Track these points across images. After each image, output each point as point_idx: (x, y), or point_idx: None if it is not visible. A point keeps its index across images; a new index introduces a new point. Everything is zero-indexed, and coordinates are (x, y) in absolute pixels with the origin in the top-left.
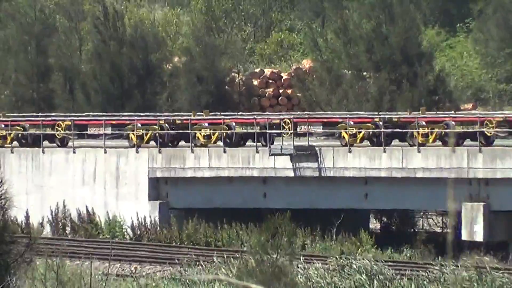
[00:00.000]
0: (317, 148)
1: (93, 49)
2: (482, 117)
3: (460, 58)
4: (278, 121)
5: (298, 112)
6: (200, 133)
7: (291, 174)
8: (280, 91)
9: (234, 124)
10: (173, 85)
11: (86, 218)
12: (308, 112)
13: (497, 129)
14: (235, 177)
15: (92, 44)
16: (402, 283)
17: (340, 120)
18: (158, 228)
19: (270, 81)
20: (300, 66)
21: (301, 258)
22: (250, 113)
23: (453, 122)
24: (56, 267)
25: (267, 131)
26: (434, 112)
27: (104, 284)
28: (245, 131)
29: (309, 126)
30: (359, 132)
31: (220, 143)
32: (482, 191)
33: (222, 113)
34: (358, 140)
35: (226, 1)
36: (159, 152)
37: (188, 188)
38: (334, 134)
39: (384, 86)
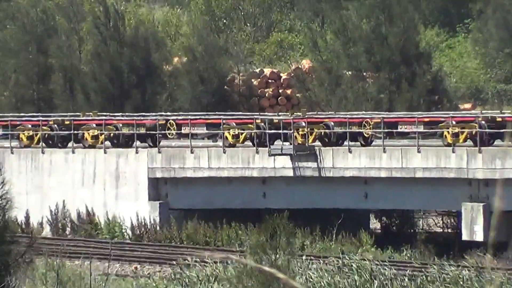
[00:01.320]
0: (316, 148)
1: (93, 49)
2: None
3: (459, 58)
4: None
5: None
6: (88, 133)
7: (290, 174)
8: (280, 91)
9: (120, 125)
10: (173, 85)
11: (86, 218)
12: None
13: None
14: (234, 177)
15: (92, 44)
16: (402, 283)
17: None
18: (157, 228)
19: (270, 81)
20: (300, 66)
21: (303, 257)
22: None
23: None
24: (56, 267)
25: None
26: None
27: (104, 284)
28: (132, 132)
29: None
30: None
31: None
32: (482, 191)
33: (110, 114)
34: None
35: (226, 1)
36: (159, 152)
37: (188, 188)
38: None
39: (383, 87)
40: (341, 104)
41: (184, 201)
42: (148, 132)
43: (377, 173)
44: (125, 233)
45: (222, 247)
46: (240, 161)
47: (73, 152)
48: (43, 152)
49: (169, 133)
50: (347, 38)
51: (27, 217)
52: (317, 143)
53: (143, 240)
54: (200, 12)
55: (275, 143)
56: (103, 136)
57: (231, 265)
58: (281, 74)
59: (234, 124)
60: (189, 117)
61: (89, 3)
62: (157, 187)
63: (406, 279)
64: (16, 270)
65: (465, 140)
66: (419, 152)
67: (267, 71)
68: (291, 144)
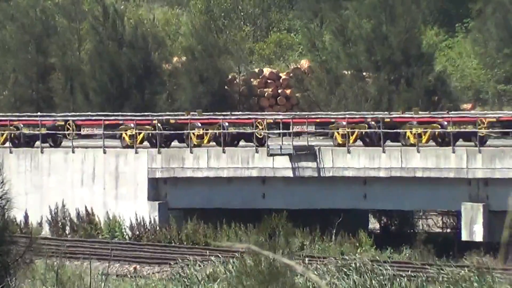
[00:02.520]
0: (316, 148)
1: (93, 48)
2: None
3: (459, 58)
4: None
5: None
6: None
7: (290, 174)
8: (279, 91)
9: (21, 125)
10: (172, 85)
11: (85, 218)
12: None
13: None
14: (234, 177)
15: (91, 44)
16: (402, 284)
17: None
18: (157, 228)
19: (269, 81)
20: (299, 66)
21: (304, 257)
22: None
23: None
24: (56, 267)
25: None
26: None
27: (103, 284)
28: (32, 132)
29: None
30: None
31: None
32: (482, 191)
33: (11, 114)
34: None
35: (225, 1)
36: (159, 152)
37: (187, 188)
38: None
39: (383, 86)
40: (340, 104)
41: (184, 201)
42: (48, 132)
43: (377, 173)
44: (124, 233)
45: (222, 247)
46: (239, 161)
47: (73, 152)
48: (42, 152)
49: (68, 134)
50: (346, 38)
51: (27, 217)
52: (320, 142)
53: (143, 240)
54: (199, 12)
55: (274, 142)
56: (4, 136)
57: (248, 257)
58: (281, 74)
59: (132, 125)
60: (99, 117)
61: (88, 3)
62: (157, 187)
63: (406, 279)
64: (16, 270)
65: (355, 140)
66: (418, 152)
67: (267, 71)
68: (290, 144)
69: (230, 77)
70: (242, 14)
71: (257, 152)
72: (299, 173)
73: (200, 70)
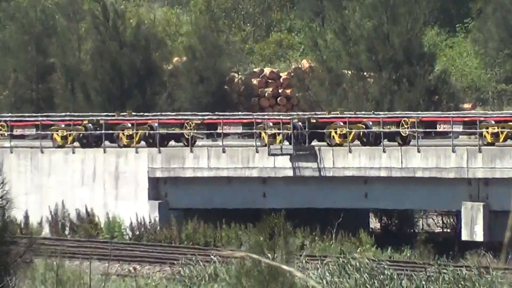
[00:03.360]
0: (316, 148)
1: (93, 48)
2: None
3: (459, 58)
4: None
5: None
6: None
7: (290, 174)
8: (280, 91)
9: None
10: (172, 85)
11: (86, 218)
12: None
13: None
14: (234, 177)
15: (92, 44)
16: (402, 283)
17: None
18: (157, 228)
19: (270, 81)
20: (299, 66)
21: (304, 257)
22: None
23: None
24: (56, 267)
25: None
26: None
27: (103, 284)
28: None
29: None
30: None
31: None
32: (482, 191)
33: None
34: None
35: (226, 1)
36: (159, 152)
37: (188, 188)
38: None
39: (385, 86)
40: (341, 104)
41: (184, 201)
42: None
43: (377, 173)
44: (124, 233)
45: (222, 247)
46: (240, 161)
47: (73, 152)
48: (42, 152)
49: (0, 134)
50: (347, 38)
51: (27, 217)
52: (318, 142)
53: (143, 240)
54: (199, 12)
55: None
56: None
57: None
58: (281, 74)
59: (63, 126)
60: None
61: (88, 3)
62: (157, 187)
63: (406, 279)
64: (16, 270)
65: (282, 141)
66: (418, 151)
67: (267, 70)
68: (291, 144)
69: (230, 77)
70: (242, 13)
71: (257, 152)
72: (300, 173)
73: (200, 70)
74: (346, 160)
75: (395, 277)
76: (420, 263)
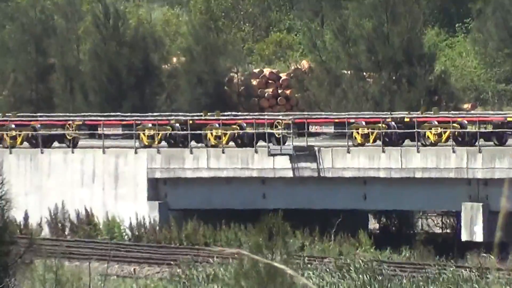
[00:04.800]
0: (316, 149)
1: (92, 49)
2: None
3: (459, 58)
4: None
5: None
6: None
7: (290, 174)
8: (279, 91)
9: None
10: (171, 86)
11: (85, 219)
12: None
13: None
14: (234, 178)
15: (91, 44)
16: (401, 284)
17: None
18: (157, 228)
19: (269, 81)
20: (299, 66)
21: (304, 258)
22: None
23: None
24: (55, 268)
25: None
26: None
27: (103, 284)
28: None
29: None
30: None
31: None
32: (482, 191)
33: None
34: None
35: (225, 1)
36: (158, 152)
37: (187, 189)
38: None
39: (385, 86)
40: (340, 104)
41: (184, 201)
42: None
43: (376, 174)
44: (124, 234)
45: (222, 247)
46: (239, 162)
47: (72, 152)
48: (42, 152)
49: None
50: (347, 38)
51: (26, 218)
52: (318, 143)
53: (142, 240)
54: (199, 12)
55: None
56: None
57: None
58: (281, 74)
59: (13, 126)
60: None
61: (88, 3)
62: (157, 188)
63: (405, 280)
64: (15, 271)
65: (227, 142)
66: (418, 152)
67: (266, 71)
68: (290, 144)
69: (229, 77)
70: (242, 14)
71: (256, 152)
72: (299, 173)
73: (199, 71)
74: (345, 161)
75: (394, 277)
76: (420, 264)
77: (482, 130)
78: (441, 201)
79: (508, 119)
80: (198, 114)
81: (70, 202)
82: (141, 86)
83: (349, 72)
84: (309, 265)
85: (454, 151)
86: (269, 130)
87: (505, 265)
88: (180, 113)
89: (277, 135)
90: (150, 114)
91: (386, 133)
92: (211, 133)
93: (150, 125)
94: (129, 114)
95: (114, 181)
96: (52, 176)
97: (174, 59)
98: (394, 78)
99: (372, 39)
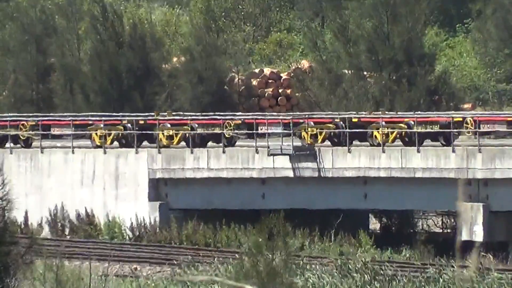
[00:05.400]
0: (316, 148)
1: (92, 49)
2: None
3: (459, 58)
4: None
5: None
6: None
7: (290, 174)
8: (280, 91)
9: None
10: (172, 85)
11: (85, 219)
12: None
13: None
14: (234, 178)
15: (91, 44)
16: (402, 284)
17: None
18: (157, 229)
19: (270, 81)
20: (299, 66)
21: (304, 258)
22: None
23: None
24: (55, 268)
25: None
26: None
27: (103, 285)
28: None
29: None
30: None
31: None
32: (482, 191)
33: None
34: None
35: (225, 1)
36: (159, 152)
37: (188, 189)
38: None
39: (385, 86)
40: (341, 104)
41: (184, 201)
42: None
43: (377, 173)
44: (124, 234)
45: (222, 248)
46: (239, 162)
47: (73, 152)
48: (42, 152)
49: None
50: (347, 38)
51: (26, 218)
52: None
53: (143, 240)
54: (199, 12)
55: (274, 143)
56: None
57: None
58: (281, 74)
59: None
60: None
61: (88, 3)
62: (157, 188)
63: (406, 280)
64: (16, 271)
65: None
66: (418, 152)
67: (267, 71)
68: (290, 144)
69: (229, 77)
70: (242, 14)
71: (257, 152)
72: (299, 173)
73: (200, 71)
74: (345, 161)
75: (395, 277)
76: (420, 264)
77: (429, 130)
78: (441, 201)
79: (455, 119)
80: (150, 114)
81: (71, 202)
82: (141, 86)
83: (349, 72)
84: (308, 265)
85: (454, 151)
86: (218, 131)
87: (505, 265)
88: (132, 114)
89: (227, 135)
90: (102, 114)
91: (334, 133)
92: (163, 134)
93: (102, 125)
94: (81, 114)
95: (115, 181)
96: (52, 176)
97: (175, 59)
98: (394, 78)
99: (372, 39)
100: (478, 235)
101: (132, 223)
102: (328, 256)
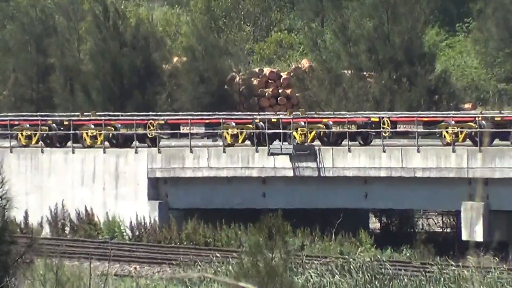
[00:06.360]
0: (316, 148)
1: (94, 48)
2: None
3: (459, 58)
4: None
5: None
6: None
7: (290, 174)
8: (280, 91)
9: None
10: (172, 85)
11: (85, 219)
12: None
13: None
14: (234, 177)
15: (92, 44)
16: (402, 283)
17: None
18: (157, 228)
19: (270, 81)
20: (300, 66)
21: (304, 257)
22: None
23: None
24: (55, 268)
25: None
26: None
27: (103, 284)
28: None
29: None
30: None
31: None
32: (482, 191)
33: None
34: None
35: (226, 1)
36: (159, 152)
37: (188, 188)
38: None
39: (385, 86)
40: (341, 104)
41: (184, 201)
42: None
43: (377, 173)
44: (124, 233)
45: (222, 247)
46: (239, 161)
47: (73, 152)
48: (42, 152)
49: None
50: (347, 37)
51: (27, 217)
52: (316, 142)
53: (143, 240)
54: (199, 12)
55: (274, 142)
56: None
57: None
58: (281, 74)
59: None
60: None
61: (89, 2)
62: (157, 187)
63: (406, 279)
64: (16, 270)
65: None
66: (418, 152)
67: (267, 70)
68: (290, 143)
69: (230, 77)
70: (242, 13)
71: (257, 151)
72: (300, 172)
73: (200, 70)
74: (346, 160)
75: (395, 277)
76: (420, 263)
77: (346, 130)
78: (442, 200)
79: (372, 119)
80: (75, 114)
81: (71, 202)
82: (143, 85)
83: (349, 71)
84: (309, 265)
85: (454, 151)
86: (141, 131)
87: (505, 265)
88: (56, 114)
89: (149, 136)
90: (27, 114)
91: (255, 133)
92: (87, 134)
93: (28, 125)
94: (3, 114)
95: (115, 180)
96: (52, 175)
97: (175, 59)
98: (394, 77)
99: (372, 39)
100: (478, 235)
101: (131, 223)
102: (328, 256)
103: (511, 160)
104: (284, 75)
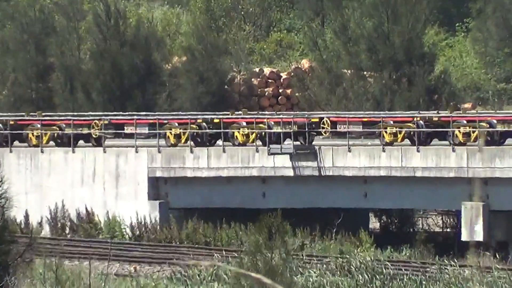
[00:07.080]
0: (316, 147)
1: (94, 48)
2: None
3: (459, 58)
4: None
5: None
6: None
7: (290, 173)
8: (280, 90)
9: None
10: (172, 85)
11: (85, 218)
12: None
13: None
14: (234, 177)
15: (92, 43)
16: (402, 283)
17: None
18: (157, 228)
19: (270, 80)
20: (299, 66)
21: (304, 257)
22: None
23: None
24: (55, 267)
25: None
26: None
27: (103, 284)
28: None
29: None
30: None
31: None
32: (482, 190)
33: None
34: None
35: (226, 0)
36: (159, 151)
37: (188, 188)
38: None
39: (385, 86)
40: (341, 103)
41: (184, 200)
42: None
43: (377, 172)
44: (124, 233)
45: (222, 247)
46: (239, 161)
47: (73, 151)
48: (42, 151)
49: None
50: (348, 37)
51: (26, 217)
52: (319, 142)
53: (143, 239)
54: (199, 11)
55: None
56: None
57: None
58: (281, 74)
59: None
60: None
61: (89, 2)
62: (157, 187)
63: (406, 279)
64: (16, 270)
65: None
66: (418, 151)
67: (267, 70)
68: (290, 143)
69: (230, 76)
70: (242, 13)
71: (257, 151)
72: (300, 172)
73: (200, 70)
74: (346, 160)
75: (395, 276)
76: (420, 263)
77: (288, 130)
78: (441, 200)
79: (312, 120)
80: (21, 114)
81: (71, 201)
82: (143, 85)
83: (349, 71)
84: (308, 264)
85: (454, 151)
86: (86, 131)
87: (505, 265)
88: (4, 114)
89: (94, 135)
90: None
91: (197, 134)
92: (32, 133)
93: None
94: None
95: (115, 180)
96: (52, 175)
97: (175, 59)
98: (394, 77)
99: (372, 39)
100: (478, 235)
101: (132, 222)
102: (328, 255)
103: (511, 160)
104: (284, 75)
